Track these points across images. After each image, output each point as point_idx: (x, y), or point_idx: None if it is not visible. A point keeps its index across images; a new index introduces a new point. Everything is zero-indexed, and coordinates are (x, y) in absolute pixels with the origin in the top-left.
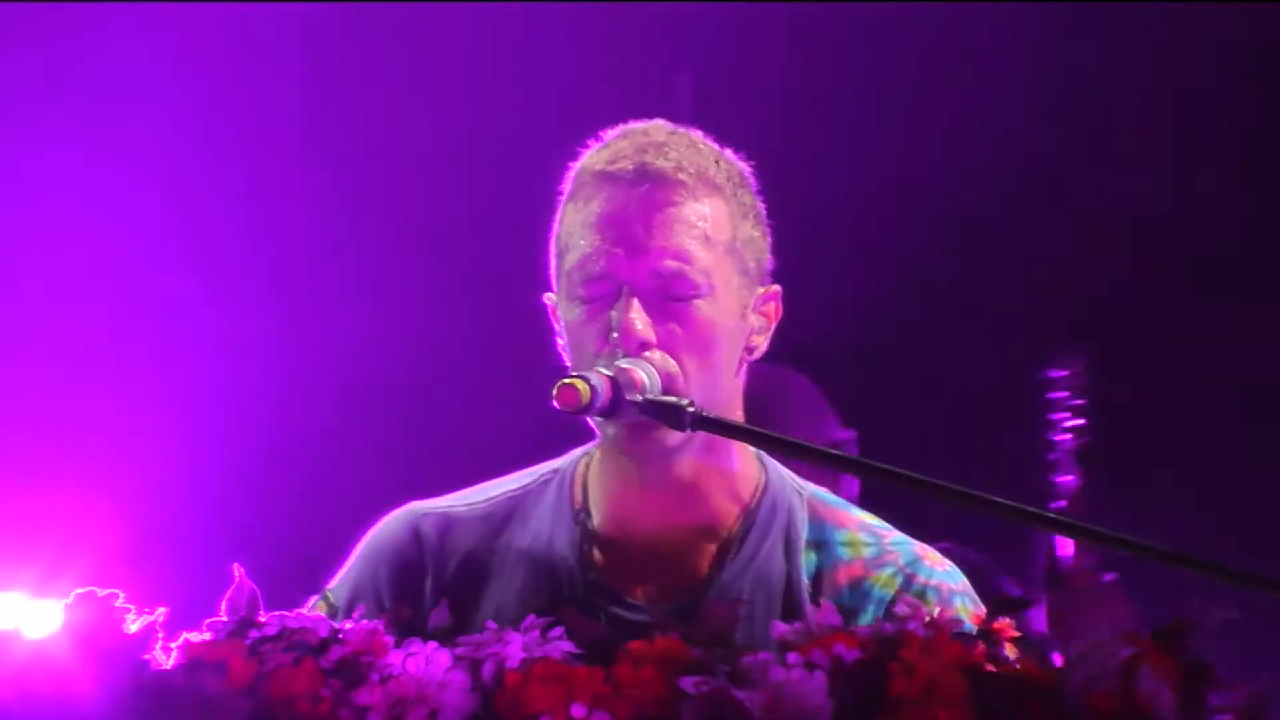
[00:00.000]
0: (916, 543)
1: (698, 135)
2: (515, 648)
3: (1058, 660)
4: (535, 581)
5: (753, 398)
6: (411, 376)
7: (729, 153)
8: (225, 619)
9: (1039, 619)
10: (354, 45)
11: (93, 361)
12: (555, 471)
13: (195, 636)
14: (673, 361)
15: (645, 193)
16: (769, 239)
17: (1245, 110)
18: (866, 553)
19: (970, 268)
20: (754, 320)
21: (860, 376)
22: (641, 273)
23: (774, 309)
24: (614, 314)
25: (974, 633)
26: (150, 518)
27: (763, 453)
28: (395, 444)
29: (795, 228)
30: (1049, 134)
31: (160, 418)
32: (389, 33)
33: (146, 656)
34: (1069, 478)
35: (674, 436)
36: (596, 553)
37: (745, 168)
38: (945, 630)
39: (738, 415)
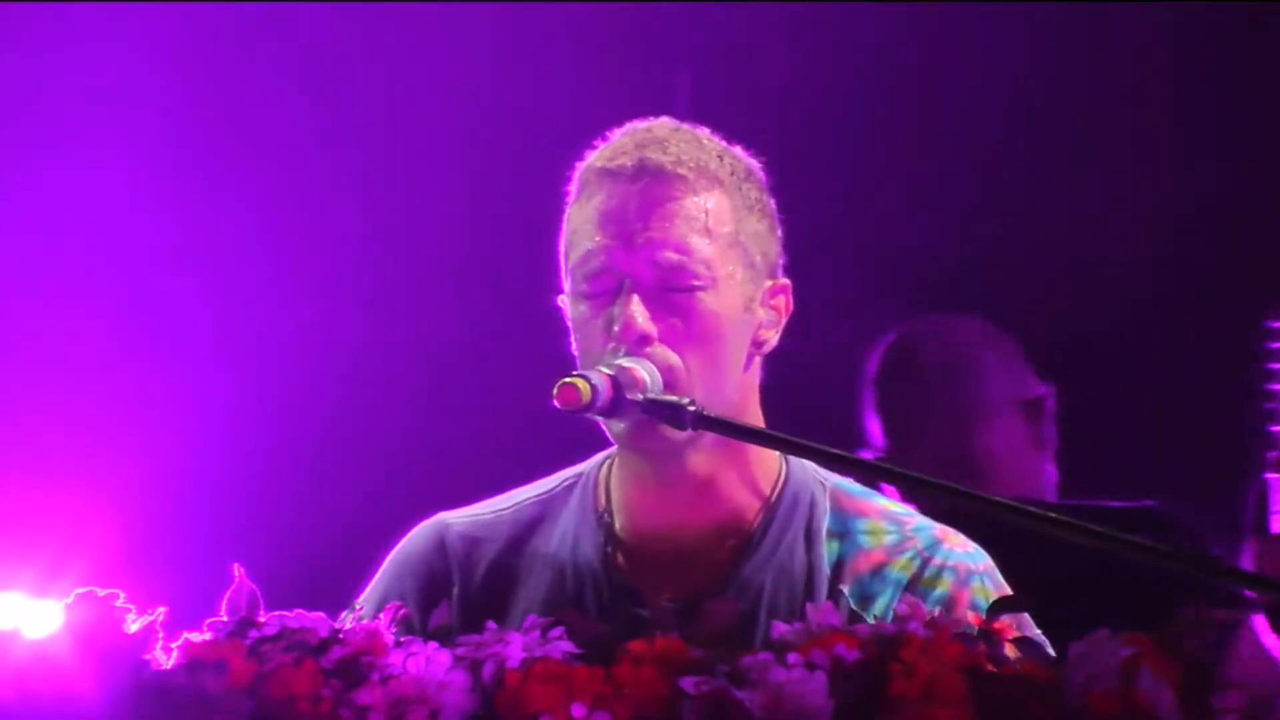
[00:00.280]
0: (939, 526)
1: (704, 132)
2: (515, 648)
3: (1262, 626)
4: (562, 586)
5: (952, 345)
6: (413, 377)
7: (738, 149)
8: (225, 619)
9: (1246, 563)
10: (355, 45)
11: (93, 361)
12: (579, 475)
13: (195, 636)
14: (674, 355)
15: (645, 187)
16: (779, 234)
17: None
18: (888, 540)
19: (971, 268)
20: (762, 314)
21: None
22: (642, 266)
23: (784, 303)
24: (615, 308)
25: (974, 633)
26: (150, 518)
27: None
28: (395, 444)
29: (796, 227)
30: (1049, 134)
31: (160, 418)
32: (390, 33)
33: (146, 656)
34: None
35: (681, 433)
36: (621, 555)
37: (754, 163)
38: (945, 630)
39: (751, 411)
